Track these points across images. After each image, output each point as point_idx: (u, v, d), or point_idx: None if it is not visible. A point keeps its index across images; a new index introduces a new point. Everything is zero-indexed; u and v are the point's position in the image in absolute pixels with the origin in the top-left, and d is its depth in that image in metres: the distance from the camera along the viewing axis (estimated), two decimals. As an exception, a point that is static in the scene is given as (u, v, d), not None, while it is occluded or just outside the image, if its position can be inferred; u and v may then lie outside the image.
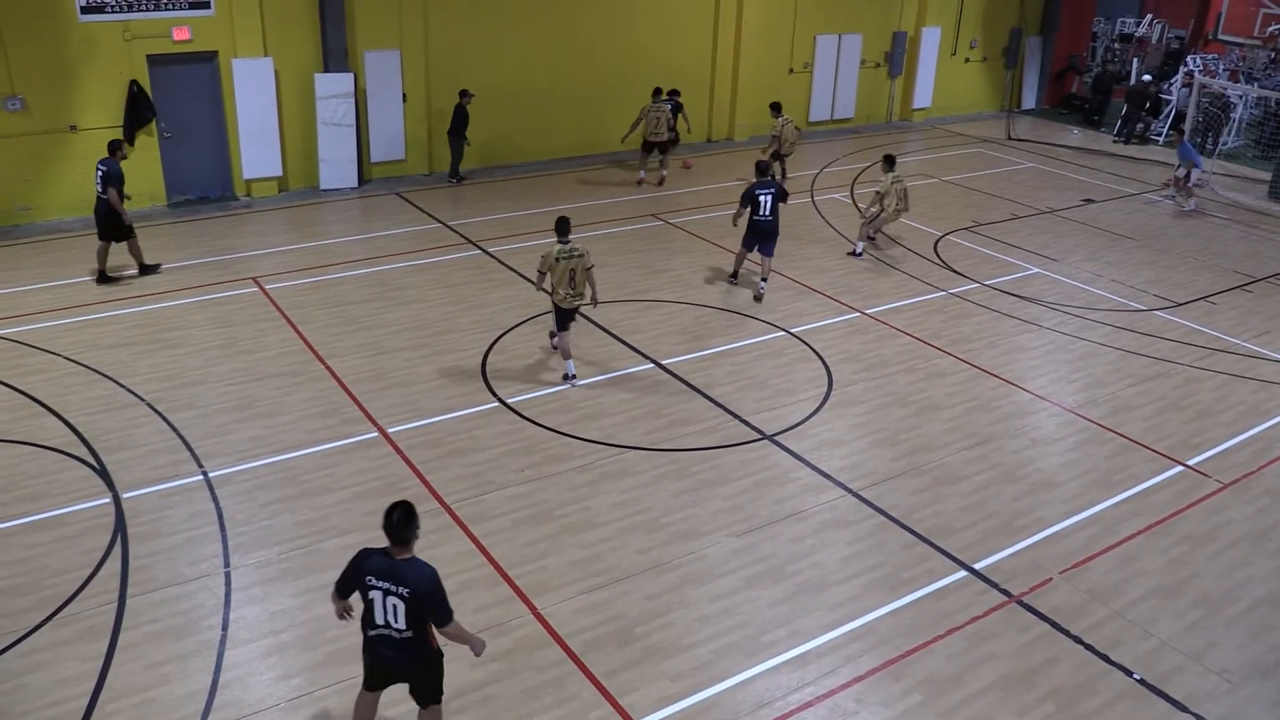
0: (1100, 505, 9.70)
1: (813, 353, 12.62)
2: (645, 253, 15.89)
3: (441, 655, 6.24)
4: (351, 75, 17.84)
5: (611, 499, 9.38)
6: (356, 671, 7.13)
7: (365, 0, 17.79)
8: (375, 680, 6.33)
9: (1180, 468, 10.47)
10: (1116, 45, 34.01)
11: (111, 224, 13.44)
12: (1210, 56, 31.67)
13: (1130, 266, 16.45)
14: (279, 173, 17.85)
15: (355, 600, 6.09)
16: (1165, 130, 26.09)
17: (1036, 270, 16.00)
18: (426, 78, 18.86)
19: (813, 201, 19.08)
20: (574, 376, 11.51)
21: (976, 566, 8.69)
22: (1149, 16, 36.19)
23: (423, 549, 8.37)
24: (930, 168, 22.15)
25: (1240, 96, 25.92)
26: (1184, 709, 7.26)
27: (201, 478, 9.40)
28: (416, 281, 14.29)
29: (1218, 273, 16.40)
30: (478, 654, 6.24)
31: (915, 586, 8.40)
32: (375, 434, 10.29)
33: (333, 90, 17.70)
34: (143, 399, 10.75)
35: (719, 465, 10.03)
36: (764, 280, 14.21)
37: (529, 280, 13.44)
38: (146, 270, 14.01)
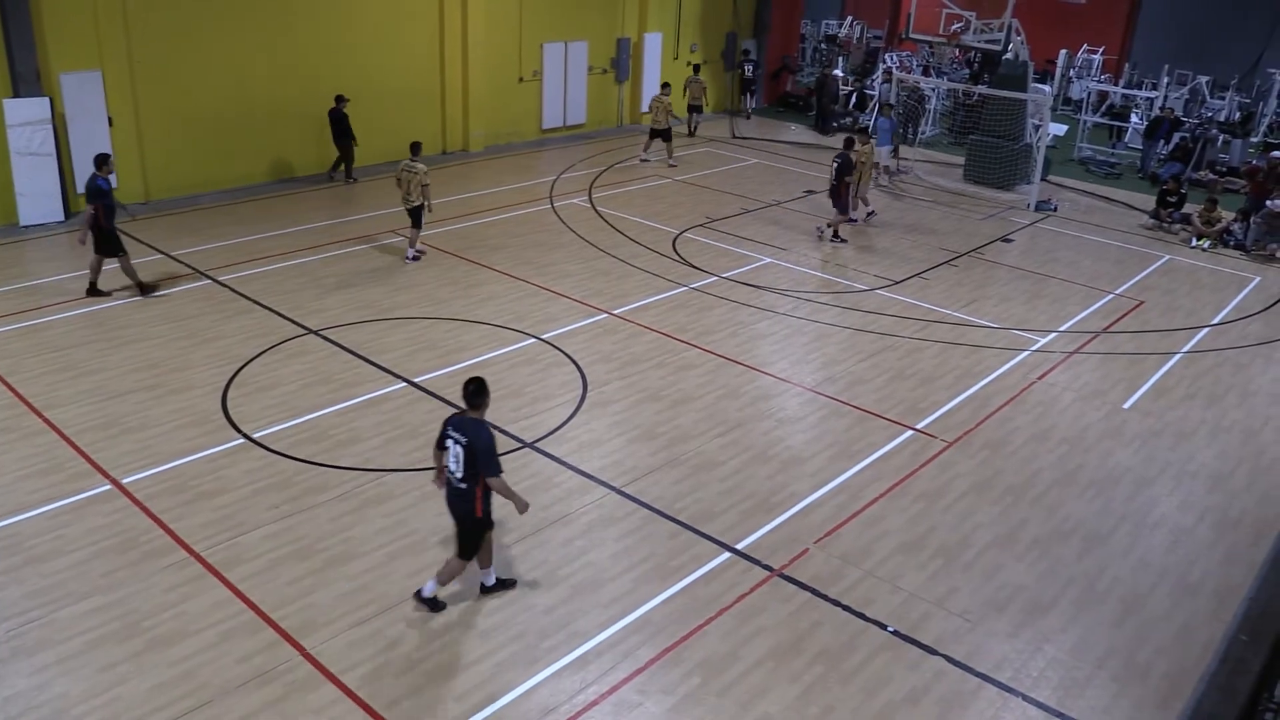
0: (845, 475, 10.36)
1: (565, 357, 12.76)
2: (389, 269, 15.53)
3: (485, 524, 7.79)
4: (47, 100, 16.40)
5: (375, 525, 9.12)
6: (108, 745, 6.63)
7: (56, 17, 16.41)
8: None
9: (911, 432, 11.34)
10: (823, 45, 36.42)
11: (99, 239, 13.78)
12: (905, 54, 34.52)
13: (852, 250, 17.64)
14: (-32, 211, 16.19)
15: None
16: (872, 122, 28.14)
17: (769, 260, 16.88)
18: (135, 99, 17.62)
19: (552, 207, 19.28)
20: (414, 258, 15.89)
21: (739, 546, 9.07)
22: (849, 18, 39.00)
23: (173, 604, 7.91)
24: (663, 168, 22.87)
25: (932, 90, 28.35)
26: (934, 652, 7.88)
27: (-98, 557, 8.37)
28: (141, 318, 13.32)
29: (927, 250, 17.88)
30: (521, 512, 7.83)
31: (684, 574, 8.66)
32: (108, 486, 9.51)
33: (25, 117, 16.21)
34: None
35: (483, 478, 9.94)
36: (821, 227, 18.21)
37: (269, 309, 12.80)
38: (145, 289, 14.19)
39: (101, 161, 13.65)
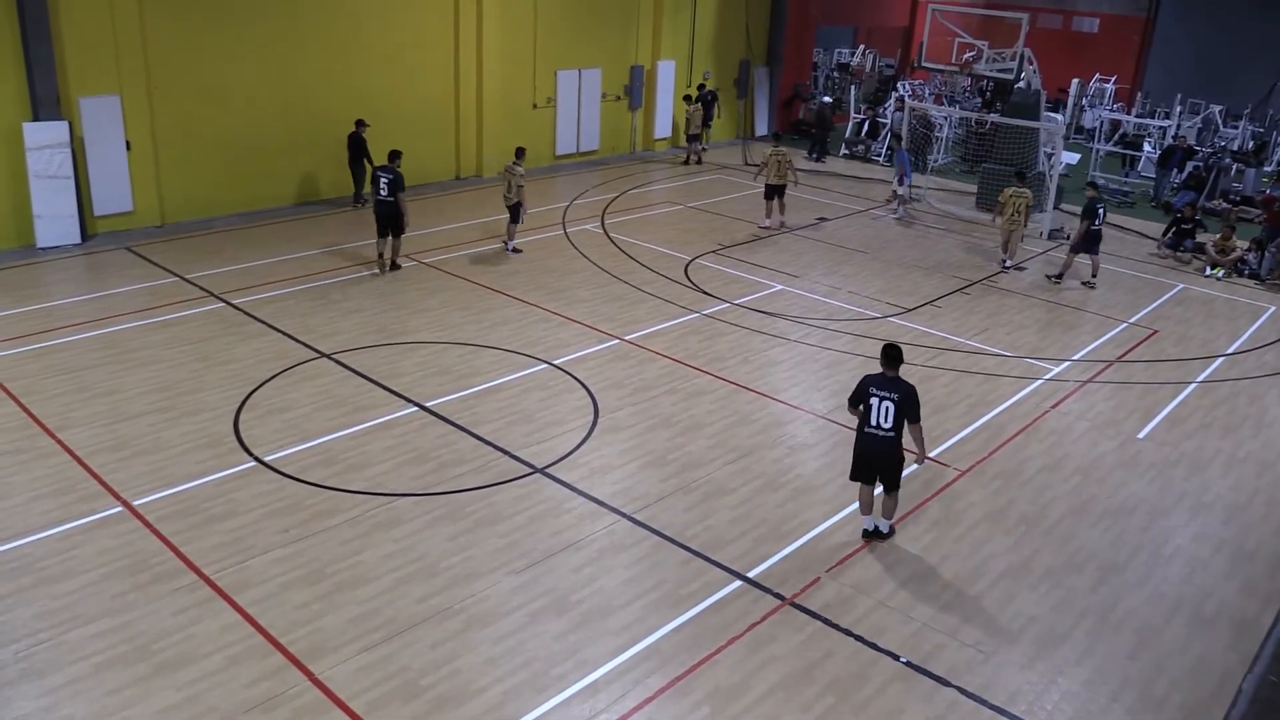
0: (857, 503, 10.27)
1: (577, 382, 12.76)
2: (402, 294, 15.59)
3: (902, 460, 9.32)
4: (66, 123, 16.57)
5: (385, 550, 9.10)
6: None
7: (76, 43, 16.60)
8: (860, 473, 9.45)
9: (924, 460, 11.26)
10: (836, 74, 36.57)
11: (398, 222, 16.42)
12: (917, 82, 34.64)
13: (864, 278, 17.65)
14: (-13, 233, 16.33)
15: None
16: (884, 150, 28.23)
17: (780, 287, 16.88)
18: (152, 123, 17.79)
19: (565, 233, 19.35)
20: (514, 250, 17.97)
21: (750, 575, 9.01)
22: (862, 47, 39.18)
23: (182, 627, 7.89)
24: (676, 195, 22.96)
25: (945, 118, 28.41)
26: (947, 684, 7.80)
27: (-86, 578, 8.38)
28: (155, 340, 13.38)
29: (940, 278, 17.86)
30: (921, 463, 9.90)
31: (695, 601, 8.61)
32: (119, 508, 9.52)
33: (45, 140, 16.37)
34: None
35: (493, 503, 9.93)
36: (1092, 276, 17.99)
37: (282, 333, 12.82)
38: (395, 268, 16.75)
39: (397, 154, 16.50)
